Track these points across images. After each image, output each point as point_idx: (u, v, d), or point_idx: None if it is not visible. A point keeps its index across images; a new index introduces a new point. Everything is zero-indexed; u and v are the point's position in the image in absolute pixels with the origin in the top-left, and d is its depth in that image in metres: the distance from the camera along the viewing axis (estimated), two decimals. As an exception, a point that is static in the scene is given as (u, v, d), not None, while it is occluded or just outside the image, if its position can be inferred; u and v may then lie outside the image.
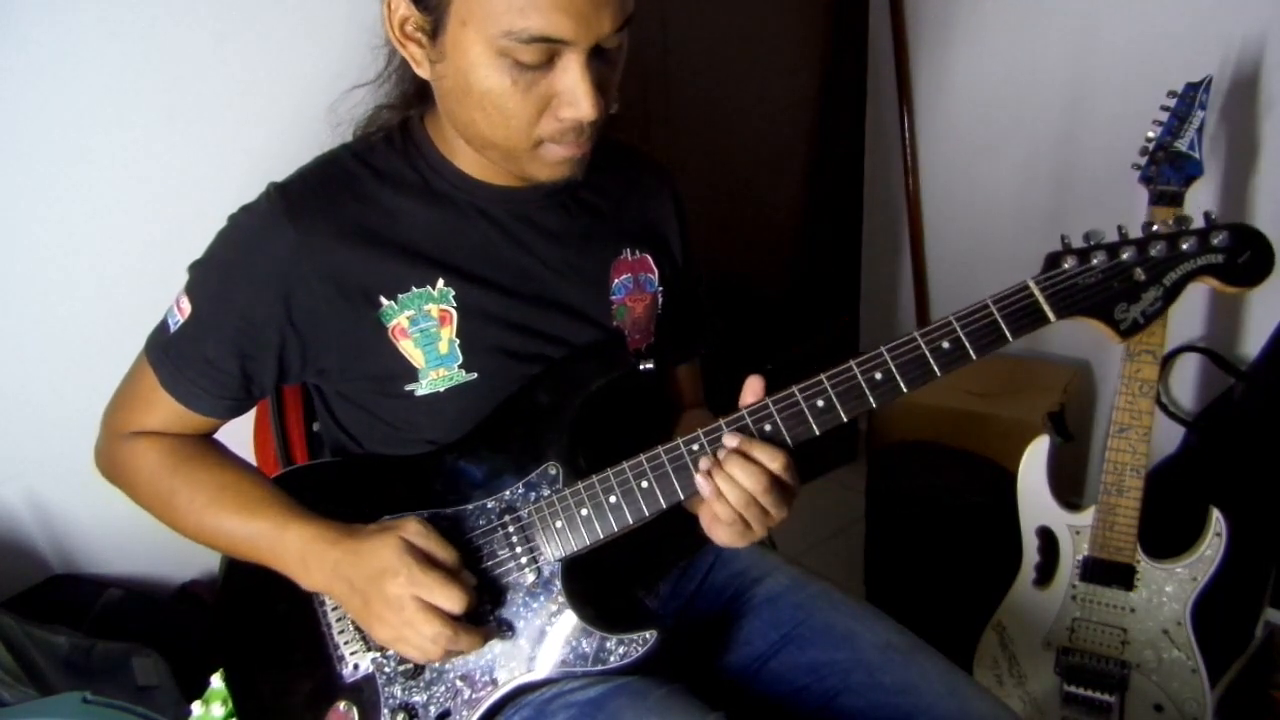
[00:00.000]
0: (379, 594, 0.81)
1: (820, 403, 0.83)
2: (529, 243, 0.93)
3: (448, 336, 0.89)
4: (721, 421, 0.84)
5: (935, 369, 0.81)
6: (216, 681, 1.00)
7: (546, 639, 0.87)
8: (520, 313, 0.92)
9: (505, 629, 0.87)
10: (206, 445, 0.96)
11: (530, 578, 0.88)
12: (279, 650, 0.92)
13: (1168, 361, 1.85)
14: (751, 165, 2.26)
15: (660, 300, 1.02)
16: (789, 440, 0.83)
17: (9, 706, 1.07)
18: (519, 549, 0.88)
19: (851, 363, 0.82)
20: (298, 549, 0.85)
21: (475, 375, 0.90)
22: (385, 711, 0.87)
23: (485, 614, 0.87)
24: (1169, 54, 1.76)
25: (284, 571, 0.87)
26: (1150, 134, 1.37)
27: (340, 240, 0.86)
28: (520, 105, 0.79)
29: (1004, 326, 0.80)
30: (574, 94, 0.78)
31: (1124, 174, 1.41)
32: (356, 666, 0.89)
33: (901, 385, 0.82)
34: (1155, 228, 0.80)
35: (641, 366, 0.99)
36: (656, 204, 1.04)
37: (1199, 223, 0.81)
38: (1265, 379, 1.64)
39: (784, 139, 2.33)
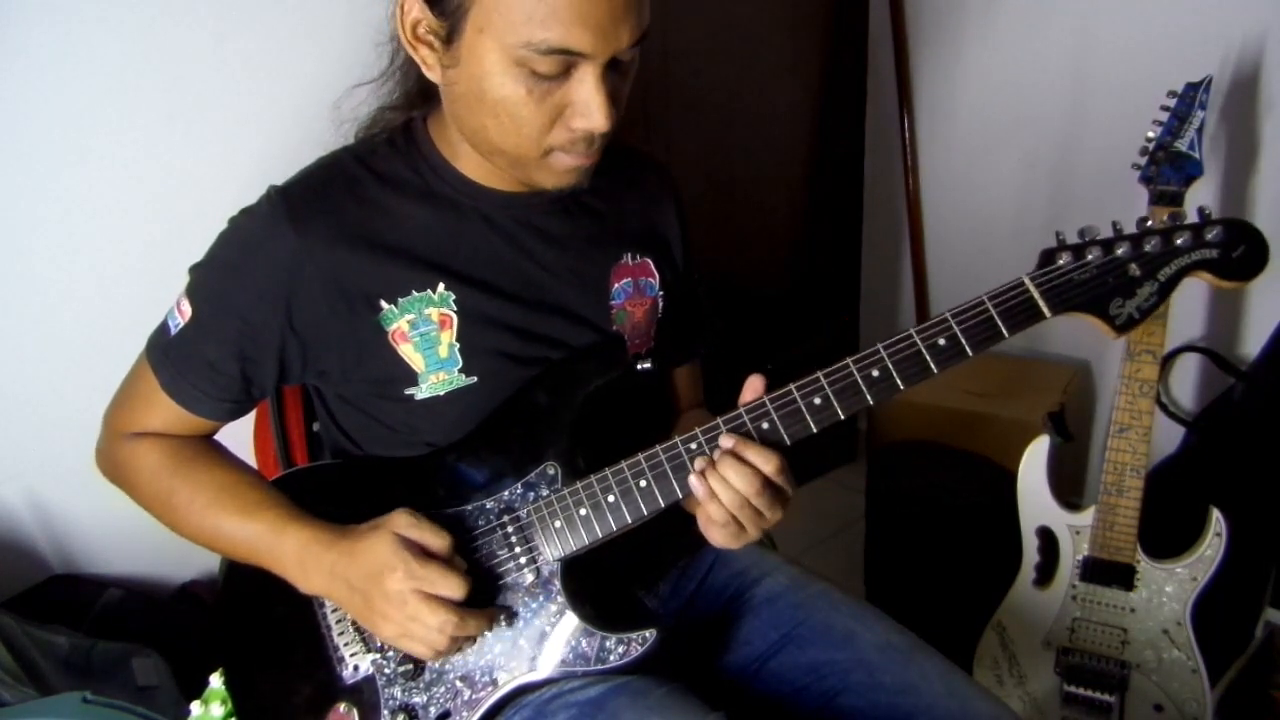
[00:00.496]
0: (379, 592, 0.81)
1: (817, 400, 0.83)
2: (530, 247, 0.93)
3: (448, 340, 0.89)
4: (719, 420, 0.84)
5: (932, 366, 0.81)
6: (216, 681, 1.00)
7: (546, 639, 0.87)
8: (520, 317, 0.92)
9: (507, 615, 0.87)
10: (207, 446, 0.96)
11: (529, 578, 0.88)
12: (279, 651, 0.92)
13: (1168, 361, 1.85)
14: (751, 165, 2.26)
15: (661, 304, 1.02)
16: (786, 438, 0.84)
17: (9, 706, 1.07)
18: (518, 549, 0.88)
19: (848, 360, 0.83)
20: (295, 552, 0.85)
21: (475, 379, 0.90)
22: (385, 712, 0.87)
23: (485, 602, 0.87)
24: (1169, 54, 1.75)
25: (283, 575, 0.87)
26: (1150, 134, 1.37)
27: (341, 243, 0.86)
28: (533, 114, 0.79)
29: (1000, 323, 0.81)
30: (588, 106, 0.78)
31: (1124, 174, 1.41)
32: (356, 668, 0.89)
33: (899, 382, 0.82)
34: (1150, 223, 0.81)
35: (640, 366, 0.99)
36: (658, 207, 1.04)
37: (1194, 218, 0.81)
38: (1265, 379, 1.64)
39: (784, 139, 2.33)
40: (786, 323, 2.42)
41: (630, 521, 0.86)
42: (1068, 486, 1.52)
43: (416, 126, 0.93)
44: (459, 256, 0.90)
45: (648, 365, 1.00)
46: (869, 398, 0.82)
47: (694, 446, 0.84)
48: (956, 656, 0.95)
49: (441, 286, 0.89)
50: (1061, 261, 0.81)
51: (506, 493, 0.89)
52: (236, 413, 0.94)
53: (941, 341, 0.81)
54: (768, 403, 0.83)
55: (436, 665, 0.88)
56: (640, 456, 0.85)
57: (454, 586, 0.80)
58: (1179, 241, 0.80)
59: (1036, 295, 0.81)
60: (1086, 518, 1.44)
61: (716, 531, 0.85)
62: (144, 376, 0.92)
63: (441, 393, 0.90)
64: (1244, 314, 1.81)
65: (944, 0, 2.11)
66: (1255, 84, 1.68)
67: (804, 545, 2.15)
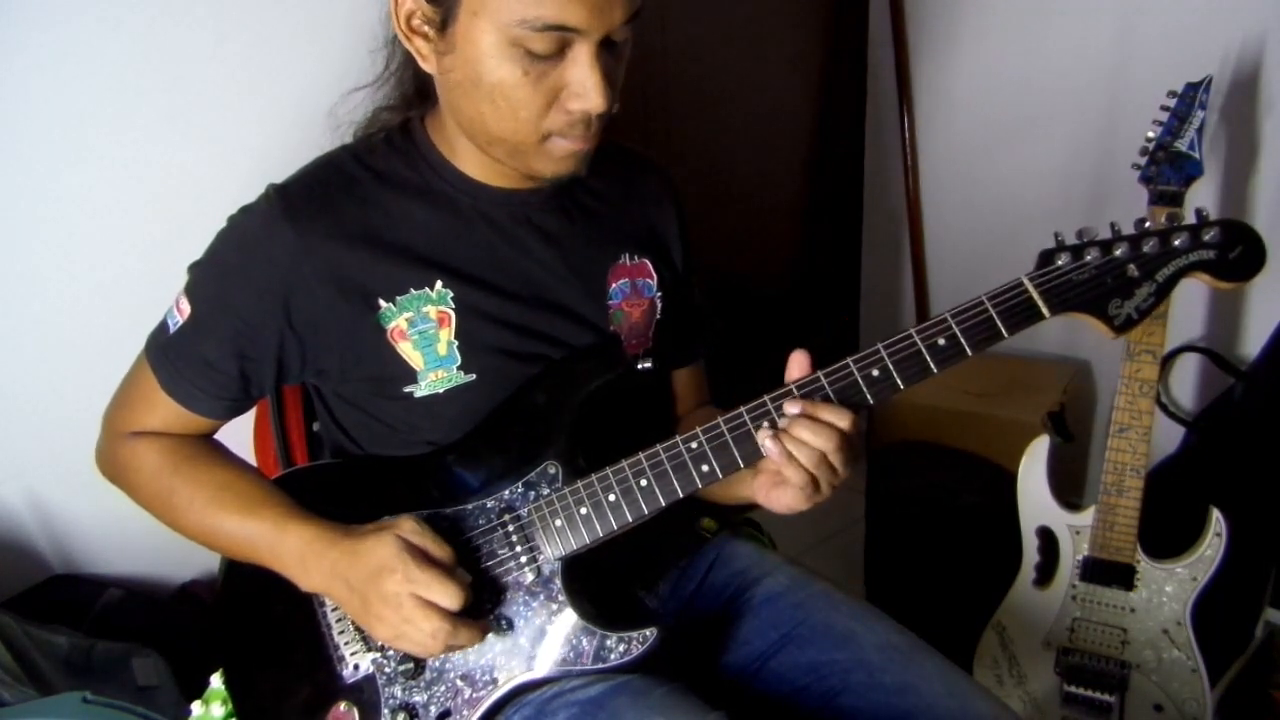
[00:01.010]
0: (377, 592, 0.81)
1: (816, 399, 0.83)
2: (528, 245, 0.93)
3: (446, 338, 0.89)
4: (719, 419, 0.84)
5: (932, 366, 0.82)
6: (216, 681, 1.00)
7: (547, 638, 0.87)
8: (519, 314, 0.92)
9: (504, 624, 0.87)
10: (207, 445, 0.96)
11: (530, 577, 0.88)
12: (279, 650, 0.92)
13: (1168, 361, 1.85)
14: (751, 165, 2.26)
15: (659, 306, 1.02)
16: None
17: (9, 706, 1.07)
18: (518, 548, 0.88)
19: (848, 360, 0.83)
20: (297, 550, 0.85)
21: (474, 376, 0.90)
22: (386, 712, 0.87)
23: (485, 611, 0.87)
24: (1169, 54, 1.75)
25: (282, 572, 0.87)
26: (1150, 134, 1.37)
27: (339, 242, 0.87)
28: (530, 96, 0.79)
29: (999, 323, 0.81)
30: (584, 85, 0.79)
31: (1124, 174, 1.41)
32: (356, 667, 0.89)
33: (898, 382, 0.82)
34: (1148, 224, 0.81)
35: (640, 365, 0.99)
36: (657, 209, 1.04)
37: (1192, 220, 0.81)
38: (1265, 379, 1.64)
39: (784, 139, 2.33)
40: (786, 323, 2.42)
41: (631, 520, 0.86)
42: (1068, 486, 1.52)
43: (414, 125, 0.93)
44: (457, 254, 0.90)
45: (648, 365, 1.00)
46: (869, 397, 0.83)
47: (695, 445, 0.84)
48: (956, 656, 0.95)
49: (440, 284, 0.89)
50: (1060, 262, 0.81)
51: (507, 492, 0.89)
52: (235, 411, 0.95)
53: (941, 341, 0.81)
54: (768, 401, 0.83)
55: (436, 664, 0.88)
56: (641, 455, 0.85)
57: (451, 595, 0.80)
58: (1176, 243, 0.80)
59: (1035, 295, 0.81)
60: (1086, 518, 1.44)
61: (789, 494, 0.85)
62: (143, 375, 0.92)
63: (440, 390, 0.90)
64: (1244, 314, 1.81)
65: (944, 0, 2.11)
66: (1255, 84, 1.68)
67: (804, 545, 2.14)
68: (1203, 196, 1.66)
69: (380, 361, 0.89)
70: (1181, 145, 1.35)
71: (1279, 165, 1.70)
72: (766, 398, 0.84)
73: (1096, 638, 1.47)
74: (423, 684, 0.88)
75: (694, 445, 0.84)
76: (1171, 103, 1.37)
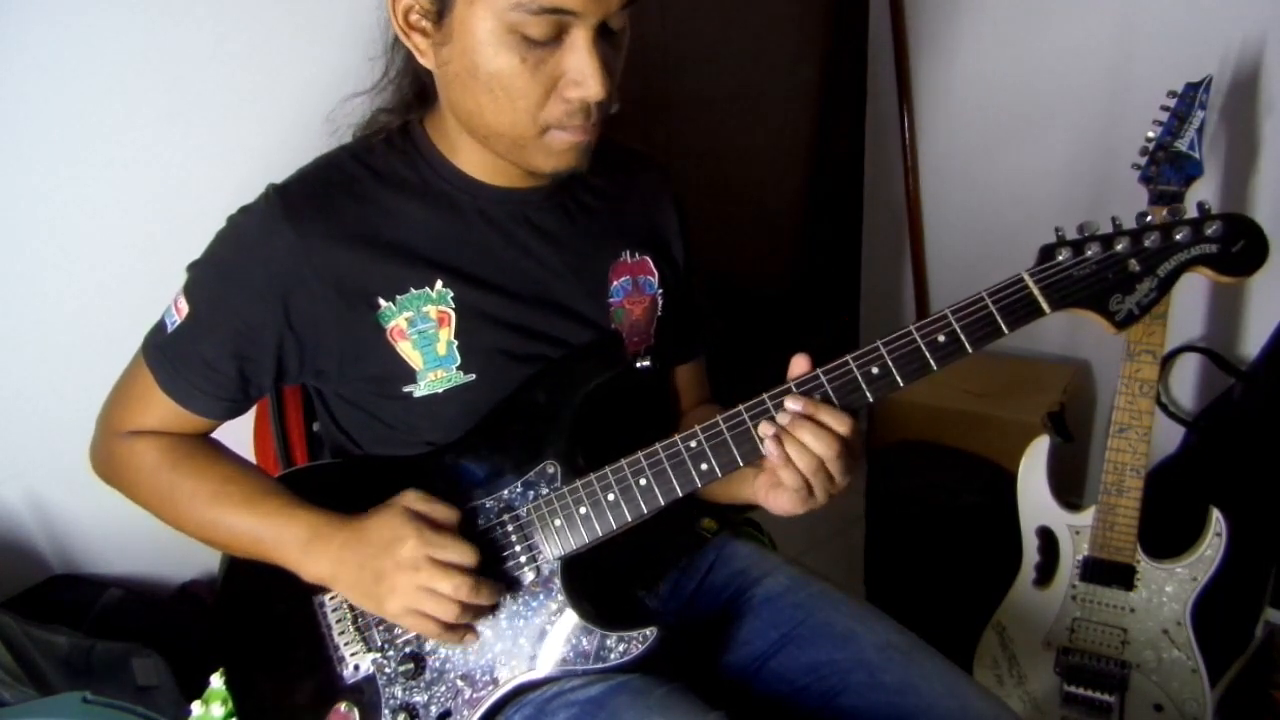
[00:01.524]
0: (392, 562, 0.81)
1: (816, 398, 0.83)
2: (528, 244, 0.93)
3: (446, 338, 0.89)
4: (719, 418, 0.84)
5: (932, 363, 0.81)
6: (216, 681, 1.00)
7: (547, 637, 0.87)
8: (519, 314, 0.92)
9: (508, 608, 0.87)
10: (205, 443, 0.96)
11: (529, 576, 0.88)
12: (279, 651, 0.92)
13: (1168, 361, 1.85)
14: (751, 165, 2.26)
15: (660, 303, 1.02)
16: None
17: (9, 706, 1.07)
18: (518, 548, 0.88)
19: (848, 358, 0.83)
20: (302, 536, 0.86)
21: (474, 376, 0.90)
22: (386, 712, 0.87)
23: (486, 611, 0.87)
24: (1169, 54, 1.75)
25: (285, 563, 0.87)
26: (1150, 134, 1.37)
27: (339, 242, 0.86)
28: (528, 85, 0.79)
29: (999, 319, 0.81)
30: (582, 71, 0.78)
31: (1124, 174, 1.41)
32: (357, 667, 0.89)
33: (898, 379, 0.82)
34: (1149, 218, 0.81)
35: (639, 364, 0.99)
36: (657, 206, 1.04)
37: (1193, 213, 0.81)
38: (1265, 379, 1.64)
39: (784, 138, 2.33)
40: (786, 323, 2.41)
41: (630, 520, 0.86)
42: (1068, 486, 1.52)
43: (414, 126, 0.93)
44: (458, 254, 0.90)
45: (647, 364, 1.00)
46: (869, 394, 0.82)
47: (694, 444, 0.84)
48: (956, 656, 0.95)
49: (439, 284, 0.89)
50: (1061, 257, 0.81)
51: (506, 491, 0.89)
52: (234, 411, 0.94)
53: (941, 338, 0.81)
54: (767, 400, 0.83)
55: (437, 665, 0.88)
56: (640, 454, 0.85)
57: (465, 553, 0.81)
58: (1178, 237, 0.80)
59: (1036, 291, 0.81)
60: (1086, 518, 1.44)
61: (785, 498, 0.85)
62: (141, 375, 0.92)
63: (440, 390, 0.90)
64: (1244, 314, 1.81)
65: (944, 0, 2.11)
66: (1255, 84, 1.68)
67: (804, 545, 2.13)
68: (1202, 197, 1.64)
69: (379, 361, 0.89)
70: (1181, 145, 1.35)
71: (1279, 165, 1.70)
72: (765, 396, 0.84)
73: (1096, 638, 1.47)
74: (423, 684, 0.88)
75: (693, 444, 0.84)
76: (1171, 103, 1.37)
